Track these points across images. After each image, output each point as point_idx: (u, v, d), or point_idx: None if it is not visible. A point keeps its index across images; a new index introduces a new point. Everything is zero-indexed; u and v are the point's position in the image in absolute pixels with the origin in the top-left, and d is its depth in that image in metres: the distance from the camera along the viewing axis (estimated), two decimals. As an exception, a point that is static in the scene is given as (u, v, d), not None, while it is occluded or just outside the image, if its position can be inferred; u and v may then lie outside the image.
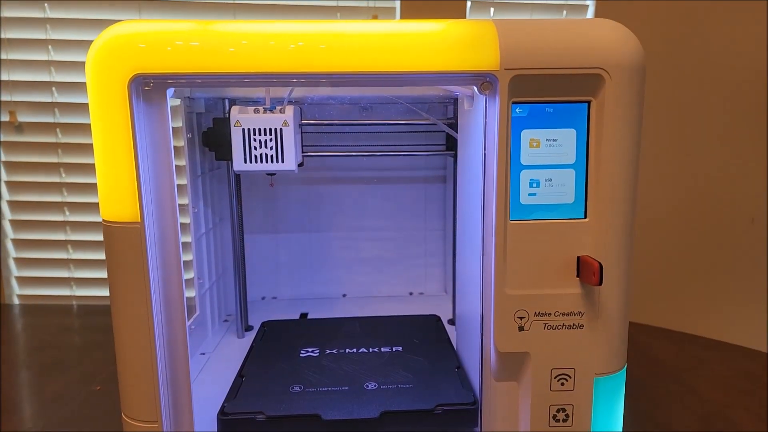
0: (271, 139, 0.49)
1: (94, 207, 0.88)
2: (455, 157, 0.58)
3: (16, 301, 0.91)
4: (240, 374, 0.46)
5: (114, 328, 0.37)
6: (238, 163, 0.49)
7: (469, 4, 0.86)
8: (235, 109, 0.49)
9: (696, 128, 0.90)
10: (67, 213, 0.88)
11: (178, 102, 0.53)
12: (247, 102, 0.52)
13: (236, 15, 0.84)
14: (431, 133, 0.63)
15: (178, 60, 0.34)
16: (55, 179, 0.87)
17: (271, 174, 0.58)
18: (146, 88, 0.35)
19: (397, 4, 0.86)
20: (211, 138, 0.55)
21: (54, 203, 0.88)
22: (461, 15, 0.86)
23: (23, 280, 0.90)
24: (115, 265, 0.36)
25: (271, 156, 0.49)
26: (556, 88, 0.35)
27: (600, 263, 0.34)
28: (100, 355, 0.68)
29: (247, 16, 0.84)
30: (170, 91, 0.36)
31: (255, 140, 0.49)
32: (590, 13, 0.88)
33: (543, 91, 0.35)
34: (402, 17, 0.86)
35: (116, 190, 0.34)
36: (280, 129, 0.48)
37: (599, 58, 0.34)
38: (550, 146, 0.36)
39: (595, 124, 0.36)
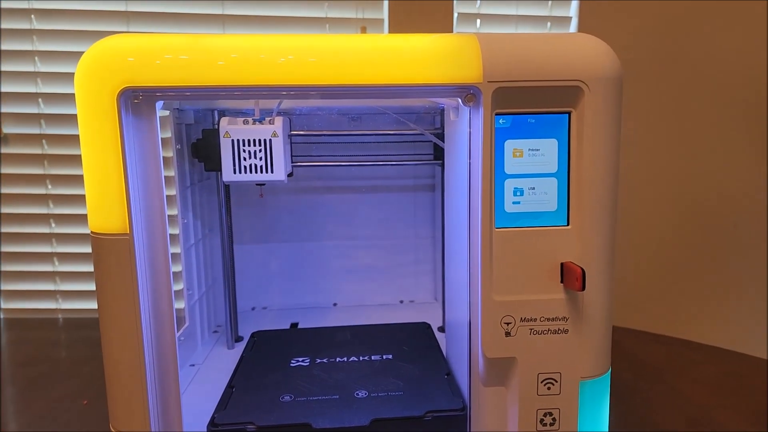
0: (260, 150, 0.49)
1: (80, 219, 0.87)
2: (443, 166, 0.58)
3: (0, 315, 0.89)
4: (230, 385, 0.46)
5: (102, 340, 0.36)
6: (228, 174, 0.50)
7: (456, 15, 0.88)
8: (224, 121, 0.50)
9: (683, 134, 0.92)
10: (53, 225, 0.88)
11: (167, 113, 0.53)
12: (236, 113, 0.53)
13: (225, 26, 0.85)
14: (419, 142, 0.64)
15: (168, 73, 0.34)
16: (41, 191, 0.87)
17: (261, 184, 0.58)
18: (135, 101, 0.35)
19: (386, 16, 0.87)
20: (201, 149, 0.55)
21: (40, 215, 0.87)
22: (448, 26, 0.88)
23: (8, 294, 0.89)
24: (103, 277, 0.36)
25: (261, 166, 0.49)
26: (538, 100, 0.36)
27: (582, 269, 0.35)
28: (87, 369, 0.67)
29: (236, 27, 0.85)
30: (159, 104, 0.36)
31: (244, 151, 0.49)
32: (573, 25, 0.90)
33: (525, 102, 0.36)
34: (390, 28, 0.87)
35: (105, 202, 0.35)
36: (270, 140, 0.49)
37: (578, 71, 0.35)
38: (533, 156, 0.37)
39: (575, 134, 0.37)
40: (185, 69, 0.34)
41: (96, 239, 0.35)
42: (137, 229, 0.35)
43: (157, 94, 0.35)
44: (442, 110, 0.57)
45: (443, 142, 0.53)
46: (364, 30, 0.87)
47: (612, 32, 0.89)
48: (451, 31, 0.88)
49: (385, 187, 0.69)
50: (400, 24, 0.86)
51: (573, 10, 0.89)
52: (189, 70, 0.34)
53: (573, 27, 0.90)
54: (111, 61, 0.34)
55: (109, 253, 0.35)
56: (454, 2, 0.87)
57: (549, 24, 0.90)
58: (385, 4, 0.86)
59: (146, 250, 0.36)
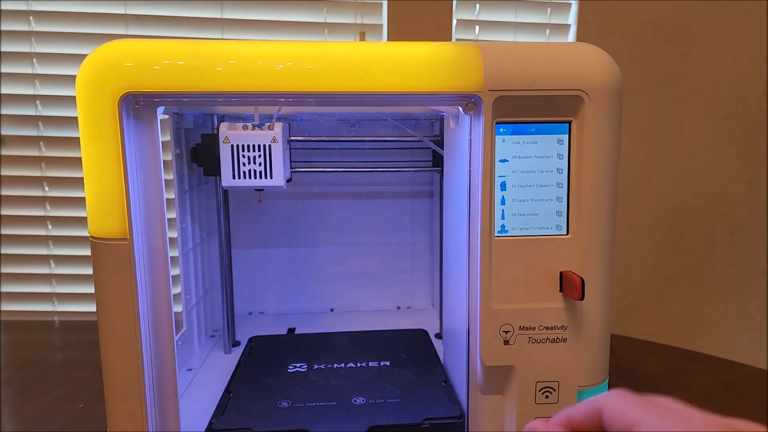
0: (259, 156, 0.49)
1: (77, 221, 0.87)
2: (441, 172, 0.59)
3: (-4, 317, 0.89)
4: (227, 390, 0.46)
5: (101, 344, 0.36)
6: (227, 179, 0.50)
7: (455, 22, 0.88)
8: (224, 126, 0.50)
9: (679, 141, 0.93)
10: (50, 227, 0.87)
11: (166, 117, 0.53)
12: (236, 118, 0.53)
13: (224, 30, 0.85)
14: (418, 149, 0.64)
15: (168, 79, 0.34)
16: (38, 193, 0.86)
17: (260, 190, 0.58)
18: (137, 106, 0.35)
19: (385, 21, 0.87)
20: (200, 154, 0.55)
21: (36, 217, 0.87)
22: (447, 32, 0.88)
23: (4, 296, 0.88)
24: (102, 282, 0.35)
25: (260, 172, 0.49)
26: (539, 109, 0.36)
27: (582, 278, 0.35)
28: (82, 372, 0.67)
29: (235, 31, 0.85)
30: (161, 109, 0.36)
31: (244, 156, 0.49)
32: (572, 33, 0.90)
33: (526, 111, 0.36)
34: (389, 34, 0.87)
35: (105, 207, 0.35)
36: (269, 145, 0.49)
37: (579, 80, 0.35)
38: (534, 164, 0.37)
39: (576, 143, 0.37)
40: (185, 75, 0.34)
41: (96, 244, 0.35)
42: (137, 234, 0.35)
43: (156, 99, 0.35)
44: (442, 117, 0.57)
45: (442, 149, 0.53)
46: (363, 35, 0.88)
47: (611, 39, 0.90)
48: (450, 38, 0.89)
49: (383, 193, 0.69)
50: (399, 30, 0.86)
51: (572, 18, 0.90)
52: (188, 76, 0.34)
53: (571, 34, 0.90)
54: (113, 67, 0.34)
55: (109, 258, 0.35)
56: (454, 8, 0.87)
57: (548, 31, 0.90)
58: (384, 9, 0.87)
59: (146, 254, 0.36)
